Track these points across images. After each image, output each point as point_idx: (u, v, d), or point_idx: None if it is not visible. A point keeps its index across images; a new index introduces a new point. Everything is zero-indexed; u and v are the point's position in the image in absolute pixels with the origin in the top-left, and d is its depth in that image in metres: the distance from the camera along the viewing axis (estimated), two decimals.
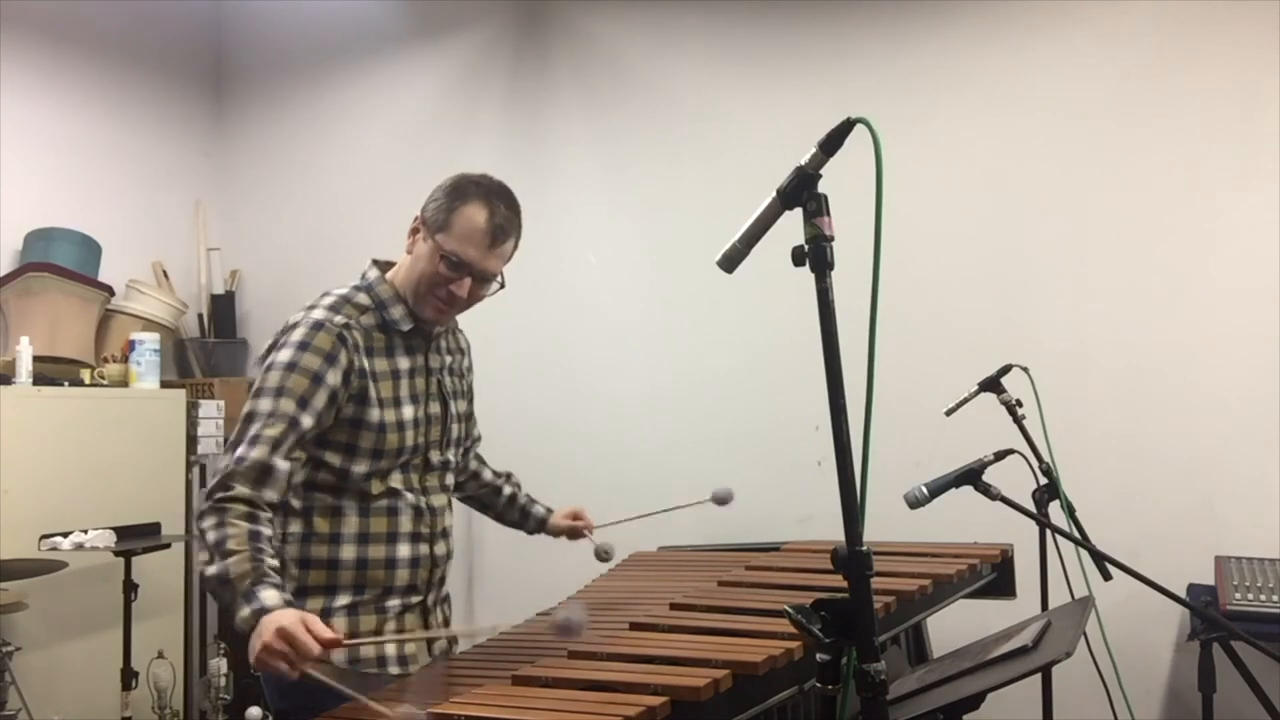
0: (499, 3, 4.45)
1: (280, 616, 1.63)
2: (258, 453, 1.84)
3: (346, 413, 1.97)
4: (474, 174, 2.07)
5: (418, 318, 2.07)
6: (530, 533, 2.54)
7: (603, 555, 2.32)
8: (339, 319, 1.99)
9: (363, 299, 2.06)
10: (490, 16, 4.47)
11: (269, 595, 1.68)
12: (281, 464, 1.85)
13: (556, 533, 2.54)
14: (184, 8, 5.01)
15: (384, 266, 2.13)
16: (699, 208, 3.96)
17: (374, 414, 1.98)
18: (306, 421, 1.89)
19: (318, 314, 1.99)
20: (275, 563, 1.77)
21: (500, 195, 2.04)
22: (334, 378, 1.94)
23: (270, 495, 1.84)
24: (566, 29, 4.31)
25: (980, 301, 3.58)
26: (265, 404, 1.89)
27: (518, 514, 2.51)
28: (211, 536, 1.75)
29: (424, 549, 2.09)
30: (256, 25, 5.08)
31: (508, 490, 2.51)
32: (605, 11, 4.24)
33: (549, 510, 2.54)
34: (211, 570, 1.72)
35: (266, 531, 1.79)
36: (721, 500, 2.55)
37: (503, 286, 2.10)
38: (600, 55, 4.24)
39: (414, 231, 2.06)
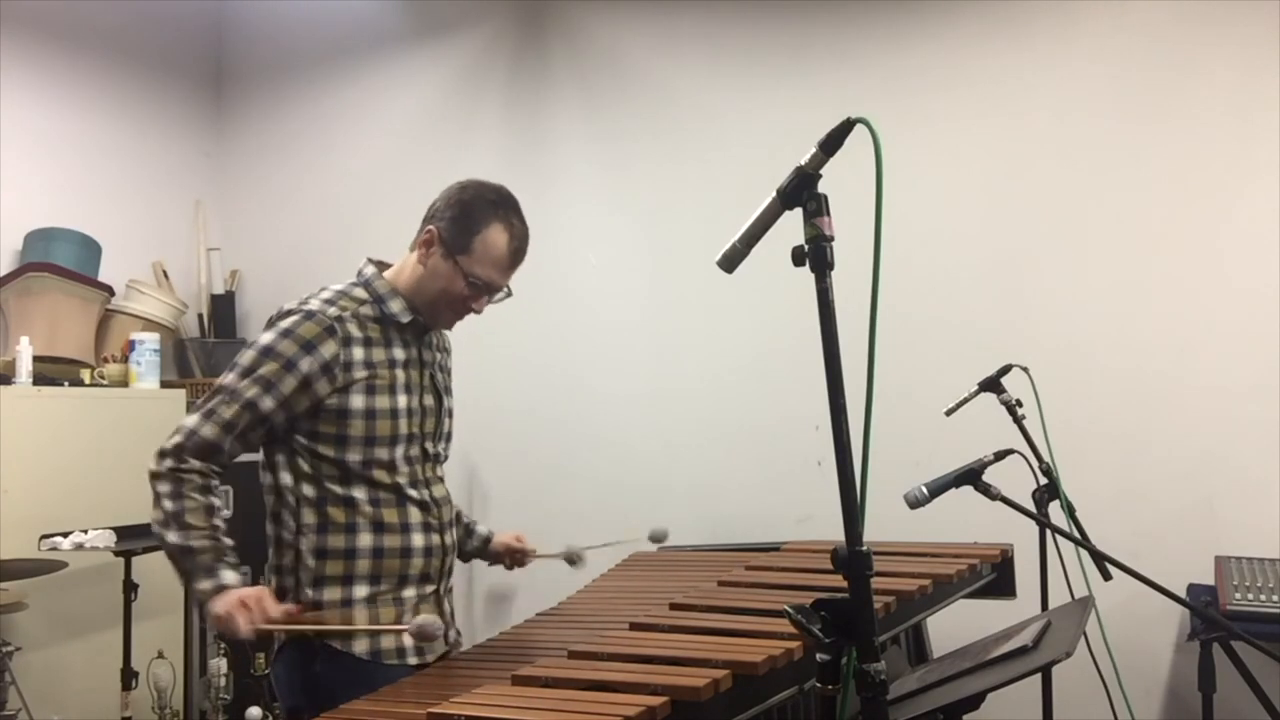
0: (499, 3, 4.45)
1: (240, 591, 1.87)
2: (208, 431, 1.97)
3: (331, 404, 2.01)
4: (481, 186, 2.11)
5: (416, 312, 2.11)
6: (468, 555, 2.45)
7: (573, 559, 2.31)
8: (333, 311, 2.04)
9: (360, 293, 2.11)
10: (490, 16, 4.47)
11: (229, 575, 1.90)
12: (229, 444, 1.99)
13: (500, 553, 2.45)
14: (184, 8, 5.01)
15: (380, 265, 2.17)
16: (699, 208, 3.97)
17: (360, 401, 2.03)
18: (267, 404, 1.98)
19: (312, 305, 2.06)
20: (231, 542, 1.96)
21: (513, 209, 2.10)
22: (309, 366, 1.99)
23: (218, 467, 2.00)
24: (566, 29, 4.31)
25: (980, 301, 3.58)
26: (230, 381, 2.00)
27: (462, 530, 2.42)
28: (170, 505, 1.93)
29: (435, 539, 2.13)
30: (256, 25, 5.08)
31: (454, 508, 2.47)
32: (605, 11, 4.24)
33: (491, 532, 2.47)
34: (173, 539, 1.93)
35: (219, 503, 1.98)
36: (658, 539, 2.59)
37: (509, 295, 2.16)
38: (600, 55, 4.24)
39: (426, 244, 2.08)
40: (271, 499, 2.10)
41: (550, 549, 2.51)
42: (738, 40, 3.99)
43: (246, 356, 2.01)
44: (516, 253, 2.10)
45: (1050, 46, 3.51)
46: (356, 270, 2.17)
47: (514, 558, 2.46)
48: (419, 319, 2.12)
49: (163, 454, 1.97)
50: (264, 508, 2.13)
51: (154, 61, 4.90)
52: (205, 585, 1.88)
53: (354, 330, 2.04)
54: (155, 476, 1.96)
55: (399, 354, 2.10)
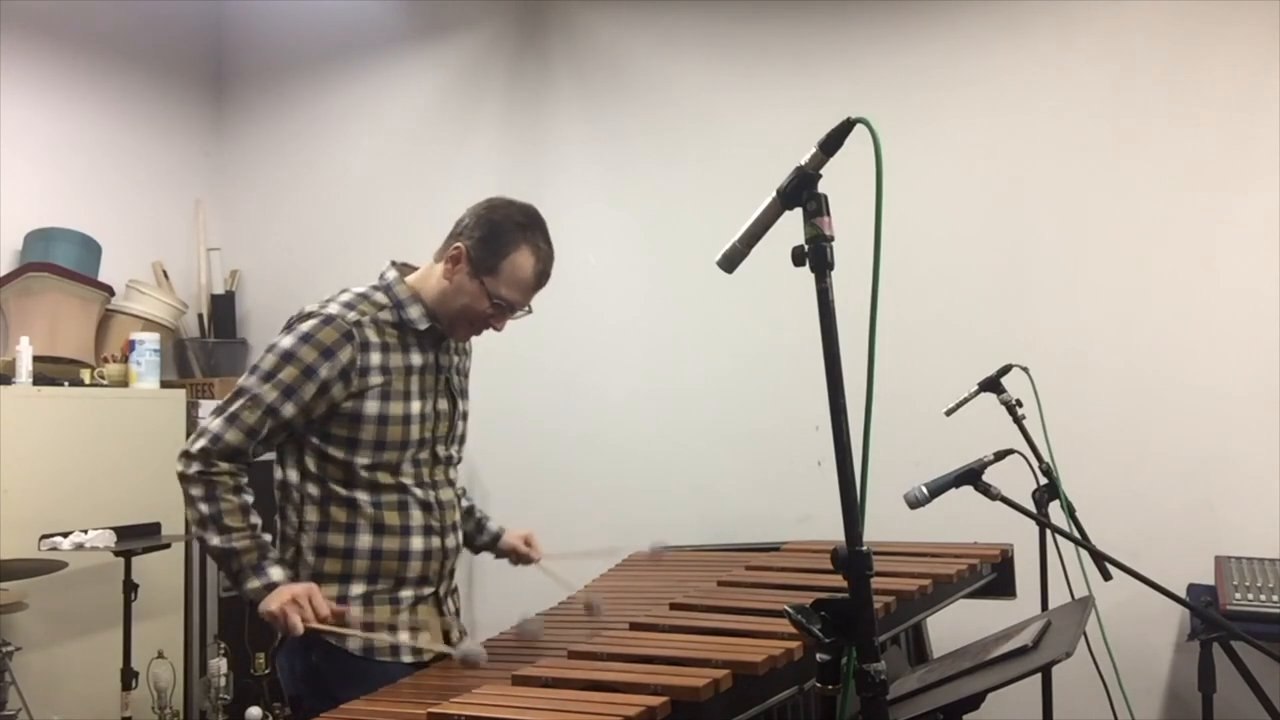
0: (499, 3, 4.45)
1: (291, 588, 1.93)
2: (232, 436, 2.01)
3: (345, 408, 2.04)
4: (510, 206, 2.12)
5: (434, 320, 2.13)
6: (478, 548, 2.46)
7: (590, 609, 2.30)
8: (352, 315, 2.06)
9: (380, 298, 2.13)
10: (490, 16, 4.47)
11: (276, 571, 1.96)
12: (253, 448, 2.03)
13: (505, 551, 2.46)
14: (184, 8, 5.01)
15: (403, 269, 2.18)
16: (699, 208, 3.96)
17: (374, 407, 2.05)
18: (288, 410, 2.01)
19: (332, 309, 2.07)
20: (270, 538, 2.03)
21: (540, 231, 2.12)
22: (328, 371, 2.01)
23: (242, 465, 2.04)
24: (566, 29, 4.31)
25: (980, 301, 3.57)
26: (253, 384, 2.03)
27: (474, 524, 2.45)
28: (206, 508, 1.98)
29: (435, 542, 2.15)
30: (256, 25, 5.08)
31: (465, 503, 2.43)
32: (605, 11, 4.24)
33: (502, 529, 2.48)
34: (215, 542, 1.97)
35: (252, 499, 2.03)
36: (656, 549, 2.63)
37: (530, 312, 2.19)
38: (600, 55, 4.24)
39: (454, 260, 2.09)
40: (279, 494, 2.14)
41: (555, 548, 2.50)
42: (738, 40, 3.99)
43: (267, 360, 2.03)
44: (542, 275, 2.13)
45: (1050, 46, 3.51)
46: (379, 273, 2.18)
47: (519, 558, 2.46)
48: (436, 326, 2.14)
49: (189, 456, 2.00)
50: (274, 502, 2.16)
51: (154, 61, 4.90)
52: (255, 584, 1.94)
53: (371, 336, 2.06)
54: (185, 479, 2.00)
55: (415, 359, 2.12)
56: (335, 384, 2.02)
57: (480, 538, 2.46)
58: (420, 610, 2.14)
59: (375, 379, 2.05)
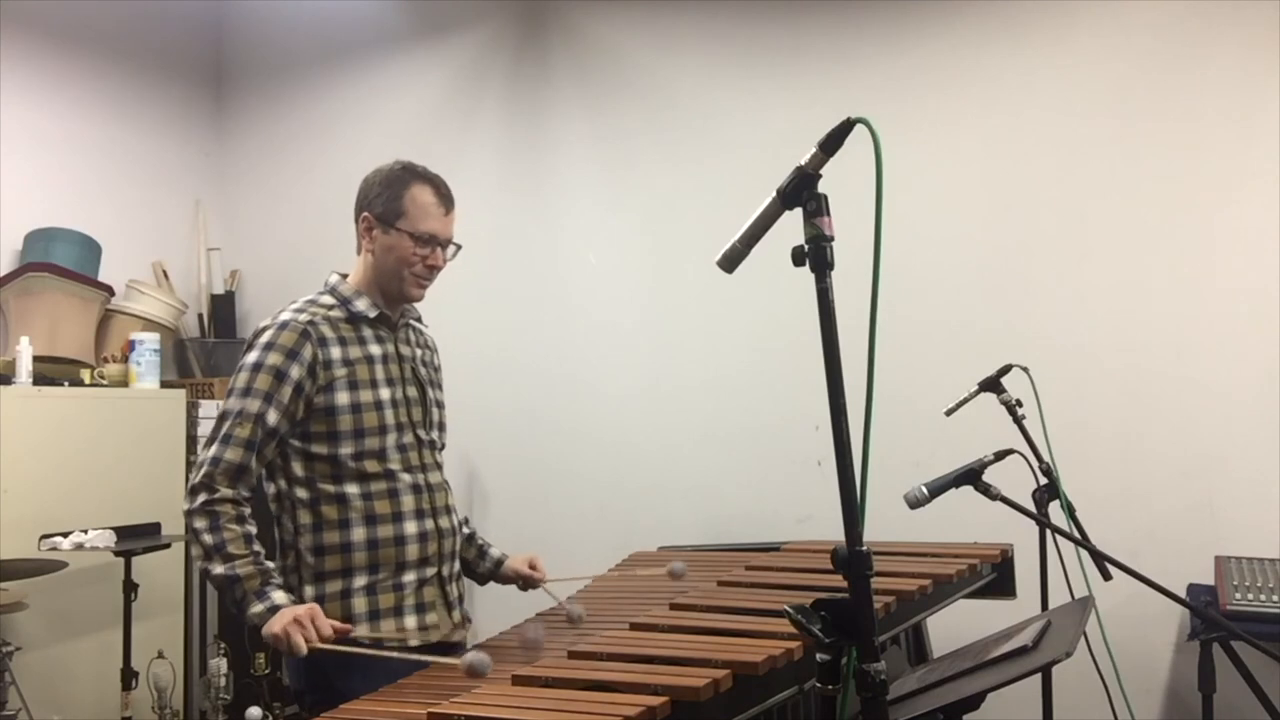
0: (499, 3, 4.45)
1: (293, 609, 1.94)
2: (231, 454, 2.06)
3: (318, 403, 2.12)
4: (381, 167, 2.28)
5: (381, 306, 2.23)
6: (483, 574, 2.45)
7: (576, 618, 2.28)
8: (304, 316, 2.16)
9: (327, 299, 2.24)
10: (490, 16, 4.47)
11: (279, 595, 1.99)
12: (253, 462, 2.08)
13: (510, 577, 2.45)
14: (184, 8, 5.01)
15: (344, 276, 2.30)
16: (699, 208, 3.96)
17: (344, 397, 2.13)
18: (273, 417, 2.08)
19: (284, 315, 2.18)
20: (274, 565, 2.06)
21: (422, 169, 2.27)
22: (298, 371, 2.10)
23: (246, 490, 2.08)
24: (566, 29, 4.31)
25: (980, 301, 3.57)
26: (234, 403, 2.10)
27: (475, 551, 2.45)
28: (209, 539, 2.01)
29: (429, 524, 2.21)
30: (256, 25, 5.08)
31: (466, 530, 2.44)
32: (605, 12, 4.24)
33: (504, 555, 2.48)
34: (219, 571, 2.00)
35: (254, 530, 2.06)
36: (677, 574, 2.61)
37: (460, 248, 2.28)
38: (600, 55, 4.24)
39: (367, 231, 2.24)
40: (274, 506, 2.20)
41: (558, 572, 2.48)
42: (738, 40, 3.99)
43: (240, 378, 2.11)
44: (445, 198, 2.24)
45: (1050, 46, 3.51)
46: (323, 281, 2.29)
47: (526, 581, 2.45)
48: (386, 313, 2.24)
49: (194, 490, 2.05)
50: (269, 514, 2.21)
51: (154, 61, 4.90)
52: (258, 608, 1.97)
53: (327, 332, 2.16)
54: (190, 514, 2.04)
55: (375, 350, 2.21)
56: (306, 381, 2.10)
57: (483, 564, 2.45)
58: (425, 592, 2.19)
59: (339, 370, 2.13)
